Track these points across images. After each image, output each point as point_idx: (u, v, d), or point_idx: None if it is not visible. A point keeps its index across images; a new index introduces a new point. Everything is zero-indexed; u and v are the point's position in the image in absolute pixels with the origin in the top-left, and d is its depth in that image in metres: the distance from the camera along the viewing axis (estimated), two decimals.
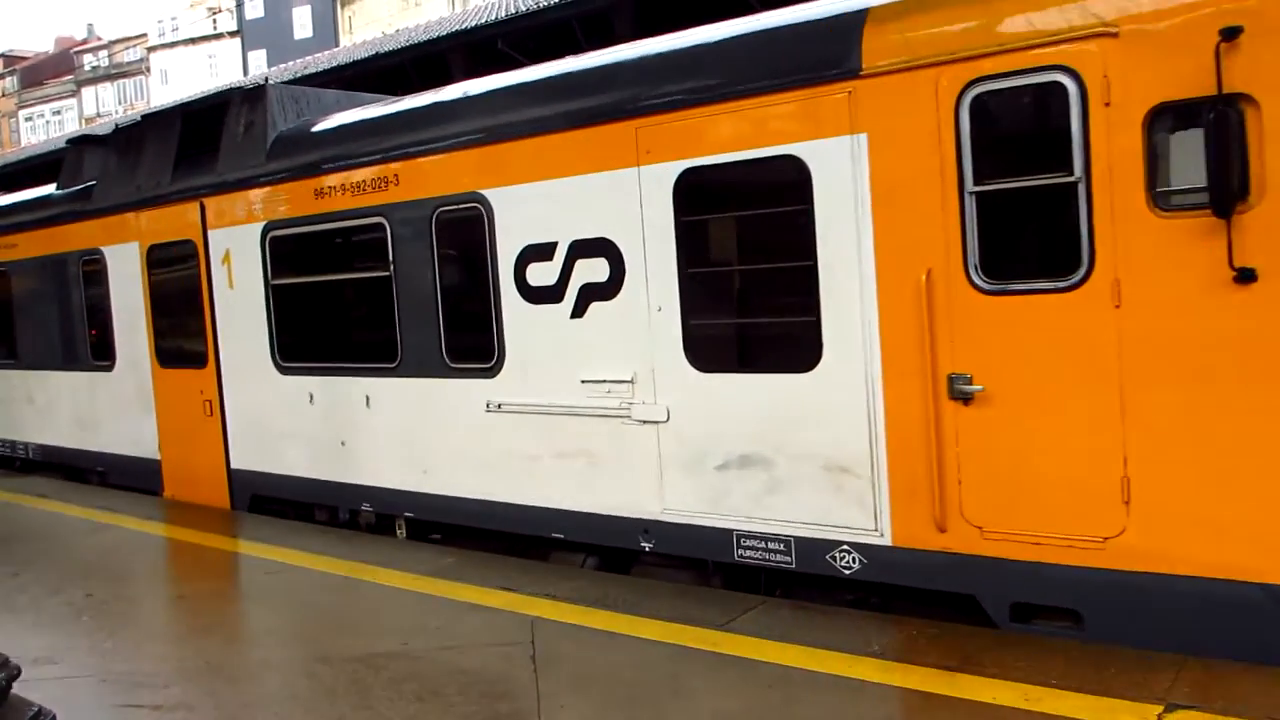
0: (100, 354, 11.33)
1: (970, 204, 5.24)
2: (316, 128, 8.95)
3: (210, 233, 9.68)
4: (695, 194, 6.29)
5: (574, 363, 6.98)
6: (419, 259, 7.85)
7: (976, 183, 5.21)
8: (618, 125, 6.56)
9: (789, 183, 5.87)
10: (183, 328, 10.19)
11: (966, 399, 5.34)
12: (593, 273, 6.80)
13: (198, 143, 9.91)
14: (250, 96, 9.50)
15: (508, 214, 7.23)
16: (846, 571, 5.89)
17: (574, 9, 18.08)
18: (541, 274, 7.09)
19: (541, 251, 7.06)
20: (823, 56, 5.71)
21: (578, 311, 6.92)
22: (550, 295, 7.06)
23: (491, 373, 7.47)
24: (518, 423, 7.37)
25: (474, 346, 7.63)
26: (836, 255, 5.71)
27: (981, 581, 5.43)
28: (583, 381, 6.94)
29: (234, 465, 9.79)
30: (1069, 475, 5.09)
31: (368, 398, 8.40)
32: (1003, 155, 5.18)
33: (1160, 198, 4.78)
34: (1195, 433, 4.76)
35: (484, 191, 7.35)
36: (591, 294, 6.83)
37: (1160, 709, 4.38)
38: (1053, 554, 5.17)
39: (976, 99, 5.18)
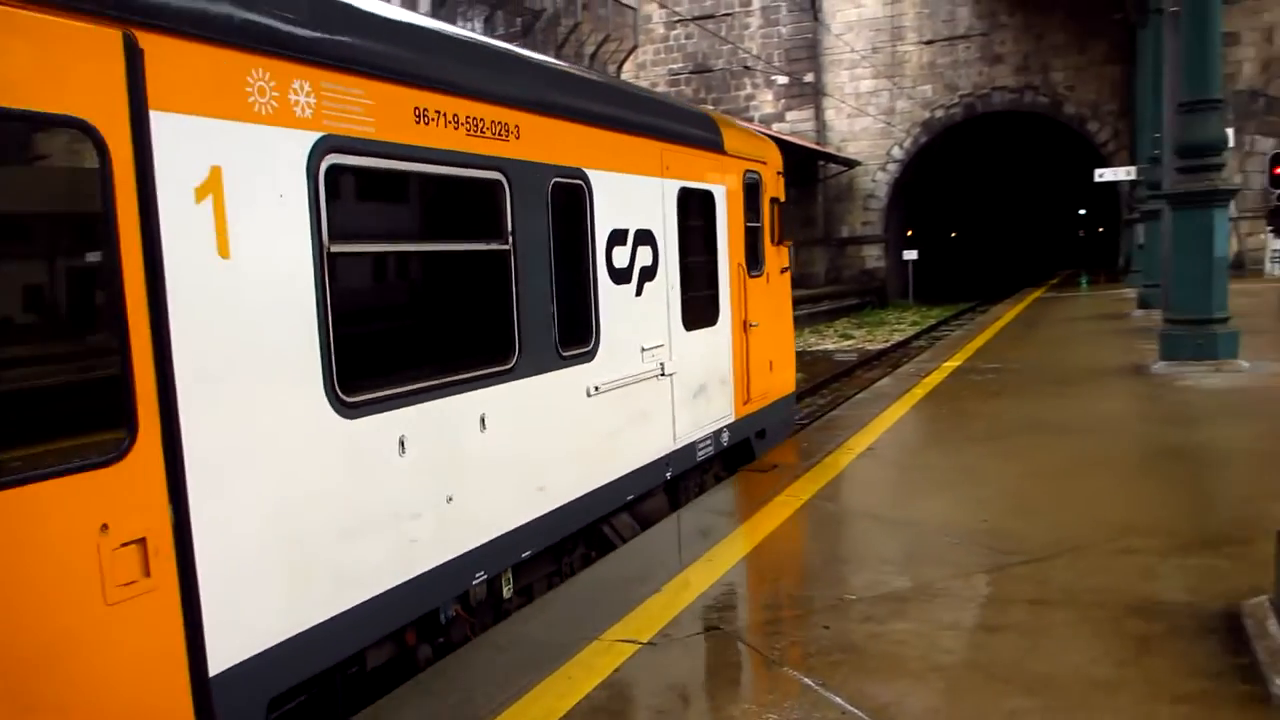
0: None
1: (742, 233, 10.34)
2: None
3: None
4: (686, 204, 8.83)
5: (636, 335, 7.97)
6: (537, 230, 6.55)
7: (747, 220, 10.37)
8: (651, 143, 8.29)
9: (712, 208, 9.42)
10: None
11: (747, 331, 10.38)
12: (646, 258, 8.10)
13: None
14: None
15: (600, 196, 7.39)
16: (725, 443, 9.83)
17: None
18: (620, 257, 7.69)
19: (618, 237, 7.69)
20: (715, 136, 9.58)
21: (639, 290, 7.99)
22: (623, 276, 7.77)
23: (590, 356, 7.25)
24: (607, 401, 7.49)
25: (578, 331, 7.09)
26: (722, 252, 9.68)
27: (751, 428, 10.52)
28: (642, 349, 8.04)
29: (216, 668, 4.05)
30: (763, 362, 10.86)
31: (483, 418, 5.94)
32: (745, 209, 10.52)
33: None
34: (764, 338, 11.37)
35: (586, 170, 7.18)
36: (645, 275, 8.09)
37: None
38: (758, 405, 10.82)
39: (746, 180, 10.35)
